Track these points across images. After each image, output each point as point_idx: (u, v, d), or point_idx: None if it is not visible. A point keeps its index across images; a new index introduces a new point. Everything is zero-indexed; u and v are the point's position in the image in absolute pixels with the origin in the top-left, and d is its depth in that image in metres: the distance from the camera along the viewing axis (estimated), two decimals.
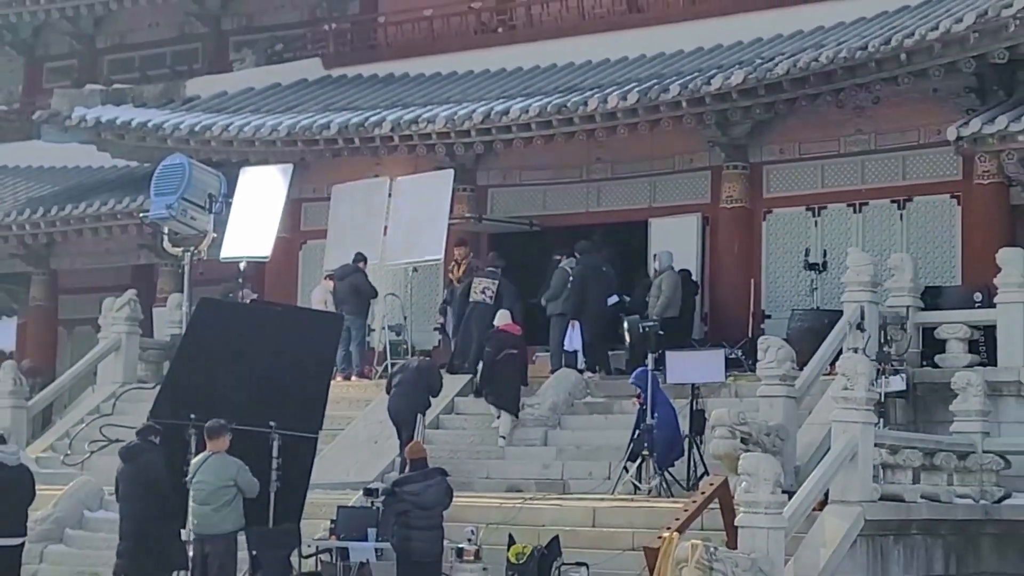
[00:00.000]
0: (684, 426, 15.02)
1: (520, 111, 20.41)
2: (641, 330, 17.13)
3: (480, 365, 19.29)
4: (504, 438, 18.01)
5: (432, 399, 17.62)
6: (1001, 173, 18.33)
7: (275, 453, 12.25)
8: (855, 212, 20.73)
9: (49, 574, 15.34)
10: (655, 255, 20.40)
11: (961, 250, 19.33)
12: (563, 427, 17.46)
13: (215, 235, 18.67)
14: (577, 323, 19.49)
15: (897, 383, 15.45)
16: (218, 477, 11.46)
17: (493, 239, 23.15)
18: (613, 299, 19.90)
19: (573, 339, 19.11)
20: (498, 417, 18.29)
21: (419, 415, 17.81)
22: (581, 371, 19.20)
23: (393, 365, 20.43)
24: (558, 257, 20.53)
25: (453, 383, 19.52)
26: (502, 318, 19.42)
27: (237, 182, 20.28)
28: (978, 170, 18.61)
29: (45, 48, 33.06)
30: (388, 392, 18.53)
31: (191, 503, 11.65)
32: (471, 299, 20.57)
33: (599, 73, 22.15)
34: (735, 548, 11.12)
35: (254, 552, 12.43)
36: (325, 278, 22.11)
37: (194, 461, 11.65)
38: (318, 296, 21.82)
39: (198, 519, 11.57)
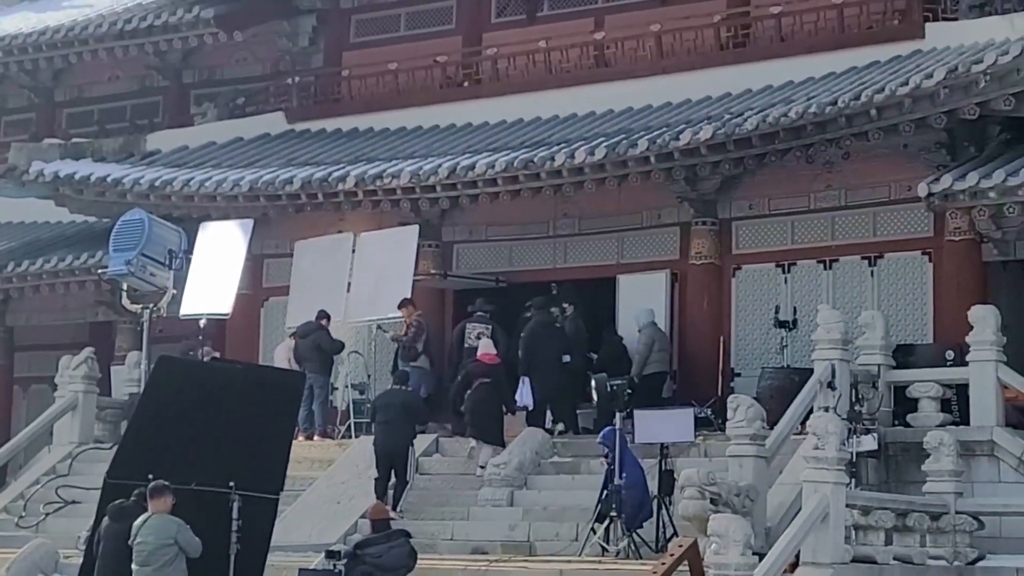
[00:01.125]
0: (653, 486, 14.89)
1: (486, 166, 20.46)
2: (609, 388, 16.90)
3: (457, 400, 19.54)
4: (483, 467, 17.97)
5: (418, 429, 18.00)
6: (972, 230, 18.38)
7: (235, 515, 11.90)
8: (825, 269, 20.76)
9: None
10: (637, 312, 20.63)
11: (933, 308, 19.40)
12: (529, 487, 17.30)
13: (175, 292, 18.61)
14: (527, 379, 19.48)
15: (869, 443, 15.49)
16: (158, 537, 11.23)
17: (459, 296, 23.16)
18: (566, 358, 19.74)
19: (524, 395, 19.07)
20: (472, 447, 18.54)
21: (410, 449, 18.10)
22: (549, 430, 19.14)
23: (357, 426, 20.82)
24: (528, 315, 20.53)
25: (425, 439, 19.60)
26: (484, 347, 19.60)
27: (197, 237, 20.53)
28: (949, 226, 18.64)
29: (2, 101, 32.98)
30: (372, 420, 18.85)
31: (133, 564, 11.42)
32: (465, 345, 20.60)
33: (566, 128, 22.25)
34: None
35: None
36: (288, 336, 22.08)
37: (136, 522, 11.44)
38: (281, 354, 21.73)
39: None
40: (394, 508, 17.08)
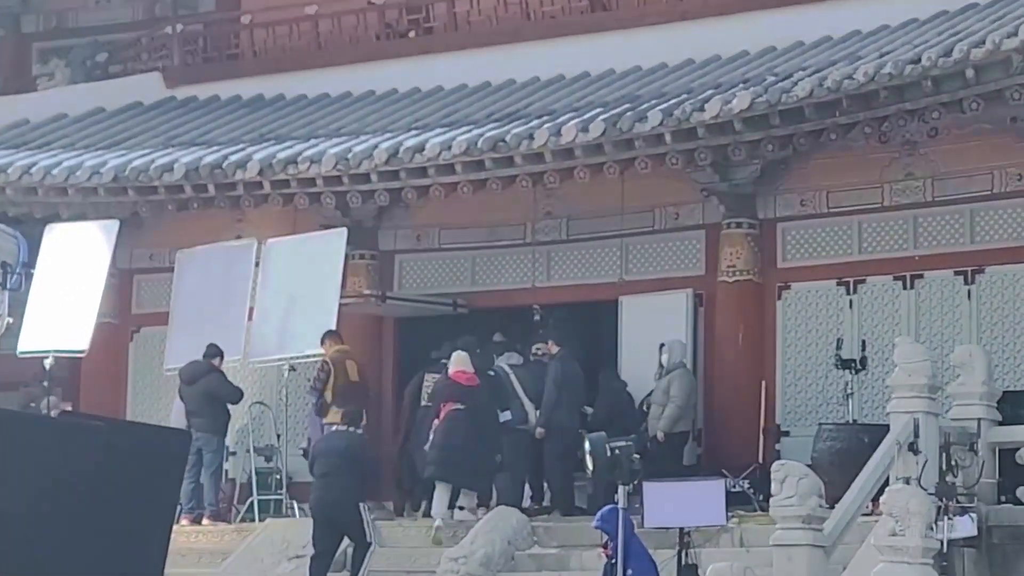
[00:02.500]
0: None
1: (440, 147, 20.17)
2: (609, 453, 16.42)
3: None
4: (457, 513, 18.73)
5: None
6: None
7: None
8: (905, 287, 20.46)
9: None
10: (663, 345, 20.24)
11: None
12: None
13: (11, 320, 18.64)
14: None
15: (965, 526, 15.21)
16: None
17: (402, 326, 22.86)
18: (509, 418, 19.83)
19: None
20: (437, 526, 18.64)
21: (361, 505, 18.00)
22: (527, 509, 19.02)
23: (262, 504, 20.56)
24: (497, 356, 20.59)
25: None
26: (456, 363, 19.52)
27: (42, 245, 20.41)
28: None
29: None
30: (310, 472, 18.89)
31: None
32: (422, 404, 20.52)
33: (550, 94, 22.04)
34: None
35: None
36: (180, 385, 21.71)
37: None
38: (178, 412, 21.31)
39: None
40: None
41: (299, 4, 26.17)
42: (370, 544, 18.49)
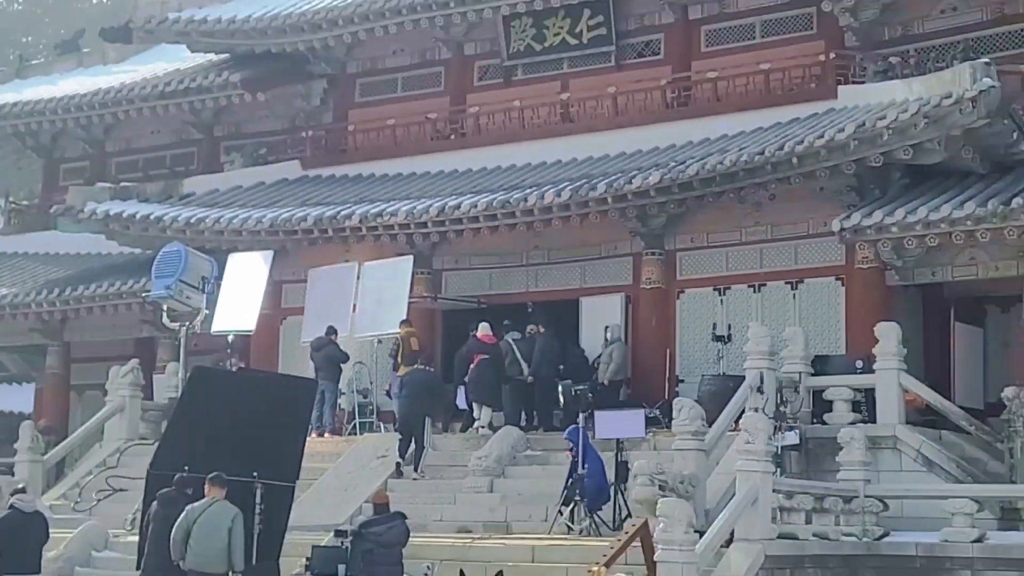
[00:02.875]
0: (610, 475, 15.12)
1: (469, 206, 20.58)
2: (574, 393, 16.85)
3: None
4: (484, 427, 18.84)
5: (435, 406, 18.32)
6: (878, 259, 18.69)
7: (258, 500, 12.24)
8: (755, 292, 21.02)
9: None
10: (607, 327, 20.64)
11: (845, 324, 19.70)
12: (507, 476, 17.45)
13: (207, 312, 19.39)
14: (461, 388, 20.17)
15: (791, 438, 15.66)
16: (219, 520, 11.49)
17: (446, 315, 23.35)
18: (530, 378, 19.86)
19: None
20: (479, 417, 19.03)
21: (427, 418, 18.49)
22: (524, 427, 19.05)
23: (362, 425, 20.98)
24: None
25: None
26: (483, 330, 20.04)
27: (226, 266, 20.78)
28: (858, 256, 18.94)
29: (61, 152, 33.41)
30: (398, 395, 19.08)
31: (191, 542, 11.54)
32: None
33: (537, 174, 22.34)
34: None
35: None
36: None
37: (195, 506, 11.64)
38: (311, 371, 21.35)
39: (196, 557, 11.52)
40: (415, 470, 17.86)
41: (384, 118, 26.10)
42: (424, 447, 18.70)
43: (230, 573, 11.99)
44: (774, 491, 12.87)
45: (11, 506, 13.59)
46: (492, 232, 21.21)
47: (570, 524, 14.61)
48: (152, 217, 24.06)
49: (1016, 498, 15.61)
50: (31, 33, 66.77)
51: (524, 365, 19.63)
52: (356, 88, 27.24)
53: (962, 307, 20.49)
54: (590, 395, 16.58)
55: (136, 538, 13.99)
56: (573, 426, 15.61)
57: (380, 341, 21.80)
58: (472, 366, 19.79)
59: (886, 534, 14.50)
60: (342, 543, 13.22)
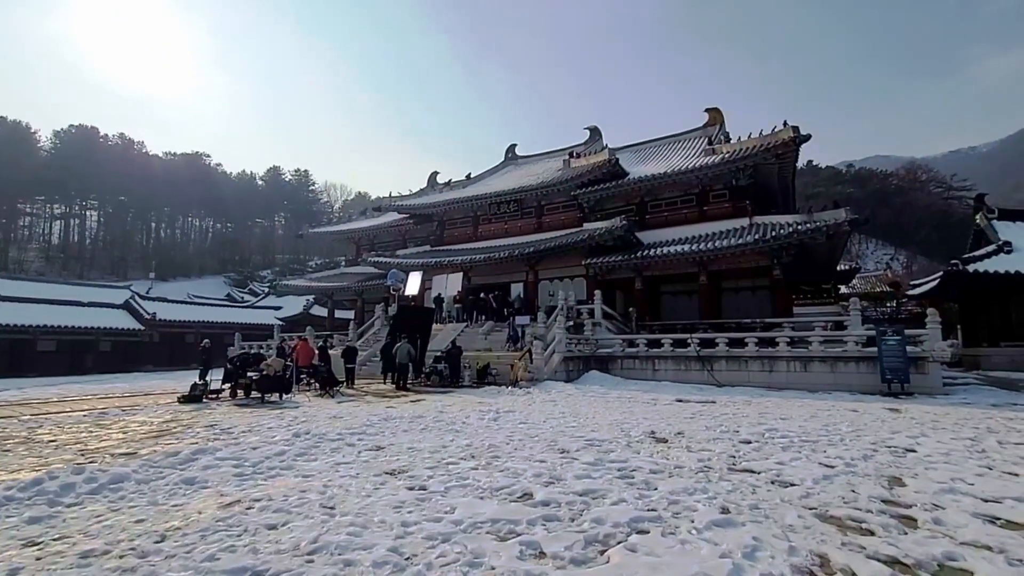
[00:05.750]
0: (520, 334, 17.08)
1: (483, 256, 22.14)
2: (507, 313, 19.64)
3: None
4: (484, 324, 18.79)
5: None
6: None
7: (419, 342, 14.65)
8: (560, 281, 21.61)
9: None
10: (518, 294, 21.53)
11: (586, 292, 20.27)
12: (490, 335, 18.38)
13: (402, 287, 20.05)
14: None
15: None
16: (406, 347, 13.85)
17: (470, 291, 22.65)
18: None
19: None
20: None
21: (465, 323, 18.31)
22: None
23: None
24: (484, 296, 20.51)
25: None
26: (480, 294, 19.60)
27: (409, 276, 20.93)
28: (589, 272, 19.98)
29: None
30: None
31: (398, 353, 13.73)
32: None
33: (510, 249, 22.39)
34: (531, 363, 14.22)
35: (411, 363, 13.91)
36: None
37: (400, 343, 14.02)
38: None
39: (400, 359, 13.74)
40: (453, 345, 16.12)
41: (455, 237, 27.04)
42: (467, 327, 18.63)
43: (410, 364, 14.05)
44: (567, 339, 15.62)
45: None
46: (489, 263, 22.05)
47: (511, 349, 16.54)
48: (392, 261, 25.15)
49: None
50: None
51: (495, 304, 20.43)
52: (445, 223, 27.51)
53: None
54: (514, 313, 19.88)
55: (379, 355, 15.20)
56: (510, 320, 18.44)
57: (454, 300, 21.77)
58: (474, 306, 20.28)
59: (597, 348, 16.62)
60: (442, 353, 15.30)
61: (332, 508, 3.85)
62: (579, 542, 3.24)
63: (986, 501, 4.08)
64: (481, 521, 3.57)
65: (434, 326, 17.97)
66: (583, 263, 20.92)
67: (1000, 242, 17.23)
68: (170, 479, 4.59)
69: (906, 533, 3.46)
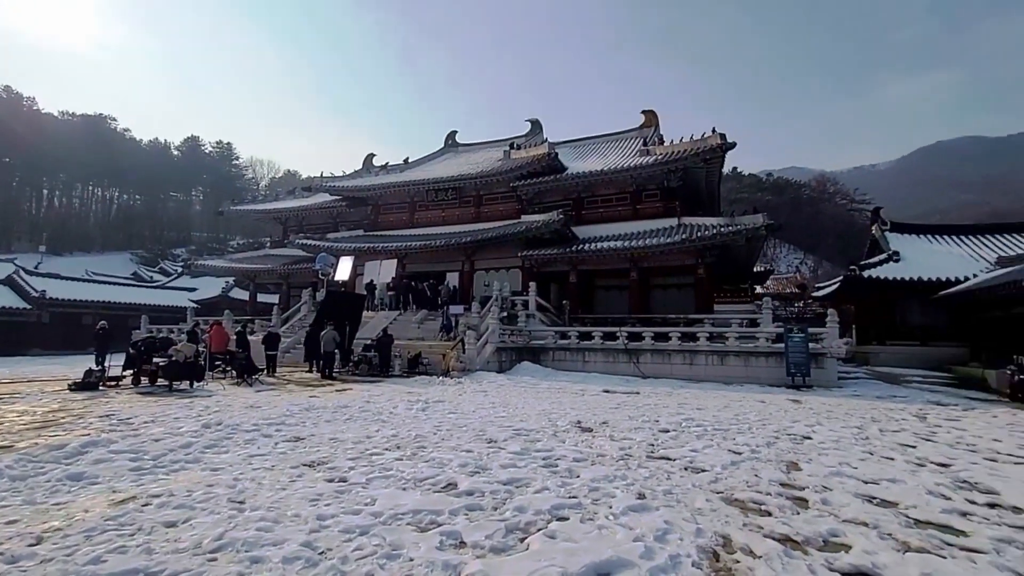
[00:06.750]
0: (454, 323, 16.86)
1: (420, 244, 21.64)
2: (441, 303, 19.25)
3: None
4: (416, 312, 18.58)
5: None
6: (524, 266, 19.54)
7: (347, 329, 14.13)
8: (496, 272, 21.65)
9: None
10: (450, 283, 21.04)
11: (521, 284, 20.32)
12: (424, 324, 18.14)
13: (332, 272, 19.68)
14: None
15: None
16: (332, 335, 13.25)
17: (406, 278, 22.10)
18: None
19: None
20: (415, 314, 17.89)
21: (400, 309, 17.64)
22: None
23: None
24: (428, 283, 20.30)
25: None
26: (414, 281, 19.16)
27: (340, 261, 20.34)
28: (525, 265, 20.24)
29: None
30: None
31: (324, 341, 13.13)
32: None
33: (445, 240, 21.92)
34: (463, 353, 14.09)
35: (338, 351, 13.37)
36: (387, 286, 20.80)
37: (326, 330, 13.32)
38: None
39: (326, 347, 13.02)
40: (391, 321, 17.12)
41: (389, 223, 26.62)
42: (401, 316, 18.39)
43: (337, 350, 13.35)
44: (501, 330, 15.66)
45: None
46: (425, 251, 21.81)
47: (444, 339, 16.24)
48: (322, 244, 24.07)
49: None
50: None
51: (429, 293, 20.22)
52: (380, 208, 26.94)
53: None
54: (448, 302, 19.57)
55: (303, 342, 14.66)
56: (444, 309, 18.14)
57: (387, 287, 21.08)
58: (411, 293, 19.82)
59: (530, 340, 16.54)
60: (372, 341, 14.91)
61: (242, 503, 3.66)
62: (500, 530, 3.26)
63: (866, 483, 4.50)
64: (402, 512, 3.51)
65: (365, 313, 17.65)
66: (519, 255, 21.08)
67: (891, 251, 18.65)
68: (52, 475, 4.18)
69: (798, 513, 3.74)
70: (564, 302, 19.95)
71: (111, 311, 33.96)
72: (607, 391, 10.96)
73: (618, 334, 15.54)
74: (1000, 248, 18.80)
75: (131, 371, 10.21)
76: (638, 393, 10.67)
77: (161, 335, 16.39)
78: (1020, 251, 17.32)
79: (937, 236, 20.65)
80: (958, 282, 16.25)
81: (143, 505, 3.55)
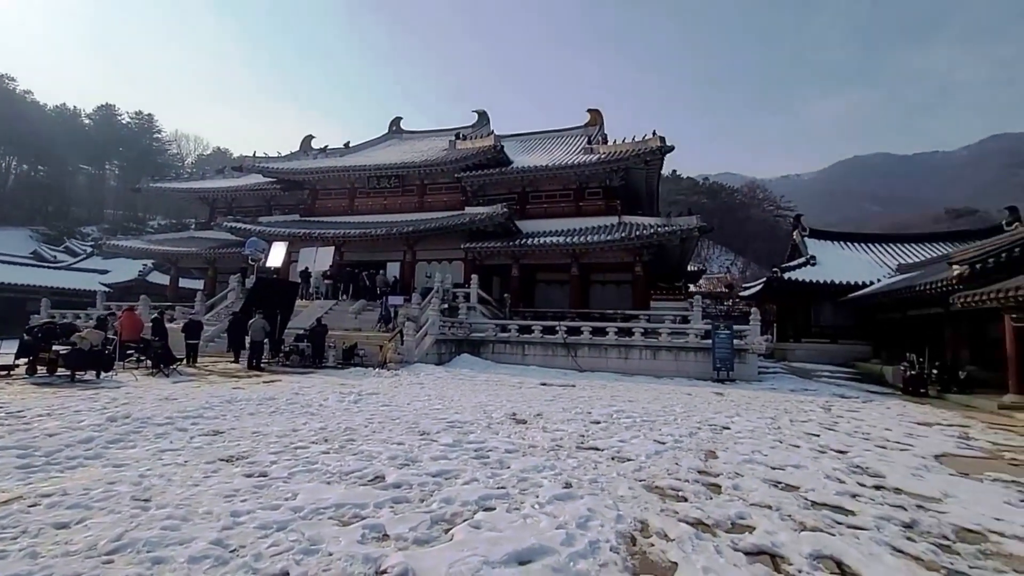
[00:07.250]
0: (393, 314, 16.70)
1: (358, 232, 21.56)
2: (380, 292, 19.36)
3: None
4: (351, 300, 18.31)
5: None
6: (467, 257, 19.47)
7: (278, 319, 13.93)
8: (439, 263, 21.66)
9: None
10: (391, 273, 21.79)
11: (463, 276, 20.37)
12: (361, 314, 18.00)
13: (263, 257, 19.49)
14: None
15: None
16: (261, 323, 12.93)
17: (347, 266, 22.18)
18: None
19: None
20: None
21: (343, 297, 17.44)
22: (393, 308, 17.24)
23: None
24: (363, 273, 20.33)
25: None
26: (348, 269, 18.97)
27: (273, 247, 20.19)
28: (468, 256, 20.24)
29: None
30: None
31: (252, 330, 12.76)
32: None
33: (386, 226, 21.85)
34: (402, 345, 14.00)
35: (268, 341, 13.18)
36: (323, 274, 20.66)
37: (254, 319, 12.98)
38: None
39: (254, 335, 12.69)
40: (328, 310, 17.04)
41: (328, 208, 26.20)
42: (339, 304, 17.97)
43: (266, 340, 13.57)
44: (441, 322, 15.77)
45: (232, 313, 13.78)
46: (373, 239, 21.55)
47: (383, 329, 16.20)
48: (253, 228, 23.51)
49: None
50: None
51: (368, 283, 20.18)
52: (318, 192, 26.59)
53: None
54: (388, 292, 19.47)
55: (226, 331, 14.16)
56: (383, 299, 18.00)
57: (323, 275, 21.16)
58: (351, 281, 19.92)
59: (470, 332, 16.74)
60: (305, 331, 14.82)
61: (147, 500, 3.45)
62: (425, 522, 3.25)
63: (774, 469, 4.81)
64: (324, 507, 3.43)
65: (299, 302, 17.39)
66: (462, 247, 21.03)
67: (808, 256, 19.77)
68: None
69: (711, 498, 3.97)
70: (505, 295, 20.28)
71: (4, 293, 31.03)
72: (544, 384, 11.13)
73: (557, 328, 15.83)
74: (901, 256, 20.13)
75: (26, 359, 9.40)
76: (574, 386, 10.90)
77: (65, 320, 15.57)
78: (917, 259, 18.47)
79: (849, 243, 21.91)
80: (865, 286, 17.38)
81: (30, 506, 3.30)
